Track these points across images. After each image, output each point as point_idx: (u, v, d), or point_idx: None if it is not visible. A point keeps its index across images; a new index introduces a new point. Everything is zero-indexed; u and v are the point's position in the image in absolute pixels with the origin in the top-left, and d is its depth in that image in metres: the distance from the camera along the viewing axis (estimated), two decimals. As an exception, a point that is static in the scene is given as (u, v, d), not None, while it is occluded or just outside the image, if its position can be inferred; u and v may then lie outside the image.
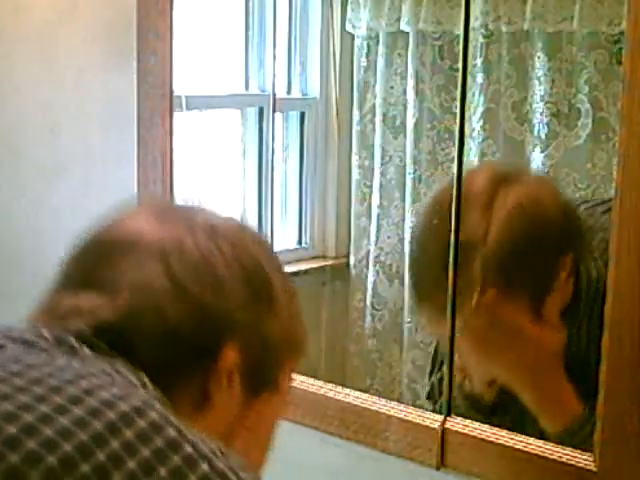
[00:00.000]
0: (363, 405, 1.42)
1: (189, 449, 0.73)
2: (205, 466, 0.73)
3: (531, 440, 1.27)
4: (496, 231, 1.23)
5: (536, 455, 1.23)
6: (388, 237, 2.26)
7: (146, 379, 0.84)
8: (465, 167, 1.38)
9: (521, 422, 1.33)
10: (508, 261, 1.24)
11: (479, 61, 1.96)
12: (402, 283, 2.23)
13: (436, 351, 1.47)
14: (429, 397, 1.45)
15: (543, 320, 1.24)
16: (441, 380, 1.41)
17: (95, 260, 0.91)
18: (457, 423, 1.32)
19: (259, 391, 0.95)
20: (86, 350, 0.83)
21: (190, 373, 0.88)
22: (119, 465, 0.69)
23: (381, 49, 2.20)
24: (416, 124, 2.15)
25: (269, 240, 1.72)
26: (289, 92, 2.26)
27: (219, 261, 0.90)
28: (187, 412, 0.86)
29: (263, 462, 1.02)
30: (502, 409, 1.34)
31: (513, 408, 1.33)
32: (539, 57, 1.88)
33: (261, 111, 2.17)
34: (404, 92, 2.17)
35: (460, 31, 1.37)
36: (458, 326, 1.30)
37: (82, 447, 0.69)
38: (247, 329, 0.91)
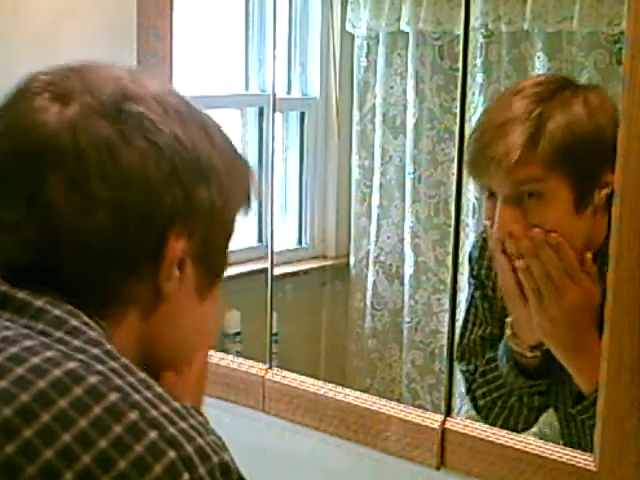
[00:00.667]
0: (363, 405, 1.42)
1: (113, 397, 0.68)
2: (134, 415, 0.68)
3: (531, 440, 1.27)
4: (558, 120, 1.22)
5: (536, 455, 1.23)
6: (388, 237, 2.26)
7: (76, 312, 0.75)
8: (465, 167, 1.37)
9: (560, 388, 1.34)
10: (566, 141, 1.21)
11: (479, 61, 1.96)
12: (402, 283, 2.23)
13: (471, 302, 1.44)
14: (462, 358, 1.44)
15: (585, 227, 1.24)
16: (475, 342, 1.42)
17: None
18: (457, 423, 1.32)
19: (213, 276, 0.87)
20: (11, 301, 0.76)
21: (133, 285, 0.79)
22: (30, 421, 0.66)
23: (381, 49, 2.20)
24: (416, 124, 2.15)
25: (269, 239, 1.71)
26: (289, 92, 2.26)
27: (124, 146, 0.77)
28: (135, 324, 0.80)
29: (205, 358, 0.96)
30: (544, 373, 1.34)
31: (553, 373, 1.33)
32: (539, 57, 1.89)
33: (261, 111, 2.18)
34: (404, 92, 2.17)
35: (460, 31, 1.37)
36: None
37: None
38: (182, 210, 0.79)
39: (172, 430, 0.69)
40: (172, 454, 0.68)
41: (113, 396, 0.69)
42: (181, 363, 0.90)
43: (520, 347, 1.32)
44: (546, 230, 1.23)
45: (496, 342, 1.41)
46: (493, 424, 1.38)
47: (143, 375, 0.73)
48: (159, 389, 0.73)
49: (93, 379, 0.69)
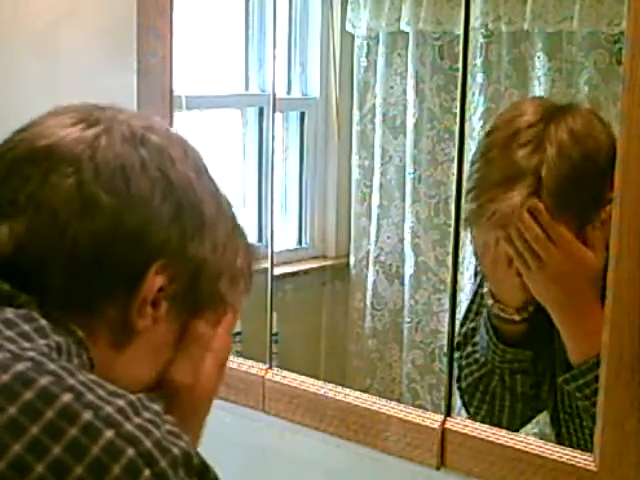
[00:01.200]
0: (363, 405, 1.42)
1: (66, 397, 0.65)
2: (88, 415, 0.65)
3: (531, 440, 1.27)
4: (552, 158, 1.23)
5: (536, 455, 1.23)
6: (388, 237, 2.26)
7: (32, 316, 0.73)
8: (465, 167, 1.37)
9: (546, 356, 1.34)
10: (565, 186, 1.23)
11: (479, 61, 1.96)
12: (402, 283, 2.23)
13: (475, 295, 1.45)
14: (458, 348, 1.44)
15: (588, 243, 1.25)
16: (474, 329, 1.42)
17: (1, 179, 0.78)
18: (457, 423, 1.32)
19: (196, 313, 0.85)
20: None
21: (106, 304, 0.77)
22: None
23: (381, 49, 2.20)
24: (416, 124, 2.15)
25: (269, 239, 1.71)
26: (289, 92, 2.26)
27: (140, 171, 0.78)
28: (106, 349, 0.79)
29: (216, 383, 0.94)
30: (527, 343, 1.34)
31: (539, 341, 1.33)
32: (539, 57, 1.89)
33: (261, 111, 2.17)
34: (404, 92, 2.17)
35: (460, 31, 1.37)
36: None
37: None
38: (172, 250, 0.79)
39: (128, 426, 0.66)
40: (130, 452, 0.65)
41: (66, 397, 0.66)
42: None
43: (507, 312, 1.32)
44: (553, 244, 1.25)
45: None
46: (475, 414, 1.40)
47: (95, 377, 0.70)
48: (111, 386, 0.70)
49: (44, 380, 0.66)
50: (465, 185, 1.34)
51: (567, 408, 1.34)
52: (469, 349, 1.42)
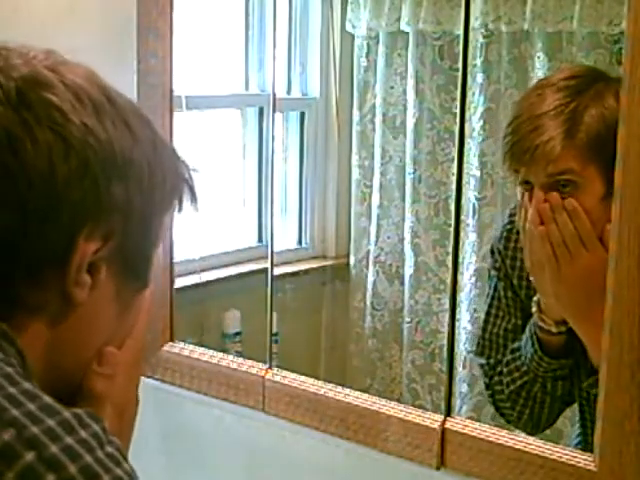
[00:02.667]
0: (363, 405, 1.42)
1: None
2: (8, 435, 0.60)
3: (531, 440, 1.27)
4: (597, 106, 1.26)
5: (536, 455, 1.23)
6: (388, 237, 2.26)
7: None
8: (465, 167, 1.38)
9: (582, 365, 1.36)
10: (601, 137, 1.24)
11: (479, 61, 1.96)
12: (402, 283, 2.23)
13: (493, 299, 1.48)
14: (482, 353, 1.47)
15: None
16: (498, 335, 1.45)
17: None
18: (457, 423, 1.32)
19: (137, 283, 0.79)
20: None
21: (33, 288, 0.71)
22: None
23: (381, 49, 2.20)
24: (416, 124, 2.15)
25: (269, 239, 1.71)
26: (289, 92, 2.26)
27: (29, 139, 0.68)
28: (43, 331, 0.73)
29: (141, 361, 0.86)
30: (568, 352, 1.36)
31: (577, 353, 1.35)
32: (539, 57, 1.89)
33: (261, 111, 2.17)
34: (404, 92, 2.17)
35: (460, 31, 1.37)
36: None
37: None
38: (95, 210, 0.71)
39: (53, 449, 0.60)
40: (51, 478, 0.59)
41: (7, 434, 0.59)
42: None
43: (546, 323, 1.35)
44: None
45: (520, 334, 1.43)
46: (518, 419, 1.42)
47: (28, 385, 0.64)
48: (47, 399, 0.63)
49: None
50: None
51: (592, 410, 1.34)
52: (507, 357, 1.44)
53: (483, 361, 1.48)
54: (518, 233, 1.42)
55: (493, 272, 1.48)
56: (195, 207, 0.81)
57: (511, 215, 1.46)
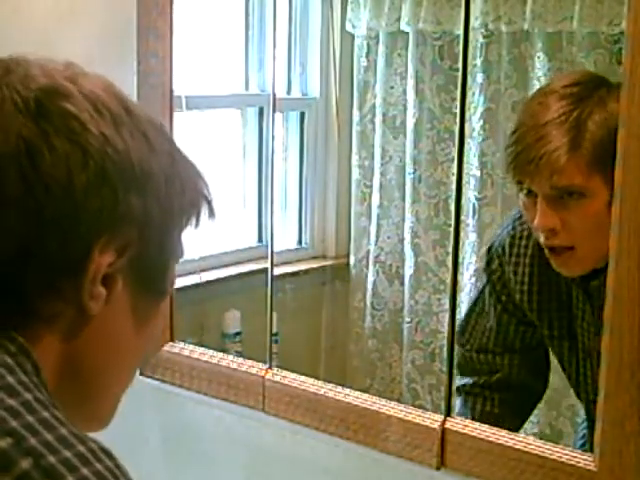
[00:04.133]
0: (363, 405, 1.42)
1: (4, 442, 0.60)
2: (26, 463, 0.60)
3: (531, 440, 1.27)
4: (600, 113, 1.25)
5: (536, 455, 1.23)
6: (388, 237, 2.26)
7: None
8: (465, 167, 1.38)
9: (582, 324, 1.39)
10: (605, 145, 1.21)
11: (479, 61, 1.96)
12: (402, 283, 2.23)
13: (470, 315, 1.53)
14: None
15: None
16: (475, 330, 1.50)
17: None
18: (457, 423, 1.32)
19: (153, 297, 0.79)
20: None
21: (49, 300, 0.70)
22: None
23: (381, 49, 2.20)
24: (416, 124, 2.15)
25: (269, 239, 1.71)
26: (289, 92, 2.26)
27: (47, 150, 0.68)
28: (58, 341, 0.72)
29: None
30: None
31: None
32: (539, 57, 1.88)
33: (261, 111, 2.17)
34: (404, 92, 2.17)
35: (460, 31, 1.37)
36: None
37: None
38: (111, 221, 0.71)
39: (70, 479, 0.60)
40: None
41: (4, 442, 0.59)
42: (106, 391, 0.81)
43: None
44: (585, 225, 1.29)
45: (494, 336, 1.49)
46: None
47: (46, 414, 0.64)
48: (64, 430, 0.63)
49: None
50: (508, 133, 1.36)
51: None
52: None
53: (463, 351, 1.53)
54: (522, 238, 1.42)
55: (484, 272, 1.49)
56: (213, 221, 0.81)
57: (515, 220, 1.45)
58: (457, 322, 1.50)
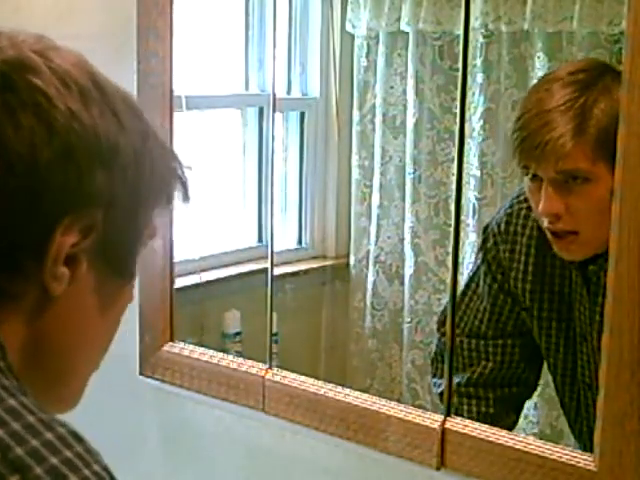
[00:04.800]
0: (363, 405, 1.42)
1: None
2: None
3: (531, 440, 1.27)
4: (602, 107, 1.26)
5: (536, 455, 1.23)
6: (388, 237, 2.26)
7: None
8: (465, 167, 1.38)
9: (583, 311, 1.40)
10: (610, 132, 1.21)
11: (479, 61, 1.96)
12: (402, 283, 2.23)
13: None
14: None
15: None
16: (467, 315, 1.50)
17: None
18: (457, 423, 1.32)
19: (120, 279, 0.77)
20: None
21: (16, 274, 0.69)
22: None
23: (381, 49, 2.20)
24: (416, 124, 2.15)
25: (269, 239, 1.71)
26: (289, 92, 2.26)
27: (11, 124, 0.67)
28: (22, 322, 0.70)
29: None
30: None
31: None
32: (539, 57, 1.88)
33: (261, 111, 2.17)
34: (404, 92, 2.17)
35: (460, 31, 1.37)
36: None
37: None
38: (75, 200, 0.69)
39: (38, 470, 0.58)
40: None
41: None
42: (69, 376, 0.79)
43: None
44: (589, 210, 1.30)
45: (487, 317, 1.49)
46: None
47: (12, 402, 0.63)
48: (31, 418, 0.62)
49: None
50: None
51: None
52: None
53: (442, 338, 1.52)
54: (519, 217, 1.43)
55: (480, 253, 1.49)
56: (187, 204, 0.79)
57: (513, 199, 1.46)
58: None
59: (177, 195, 0.79)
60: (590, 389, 1.39)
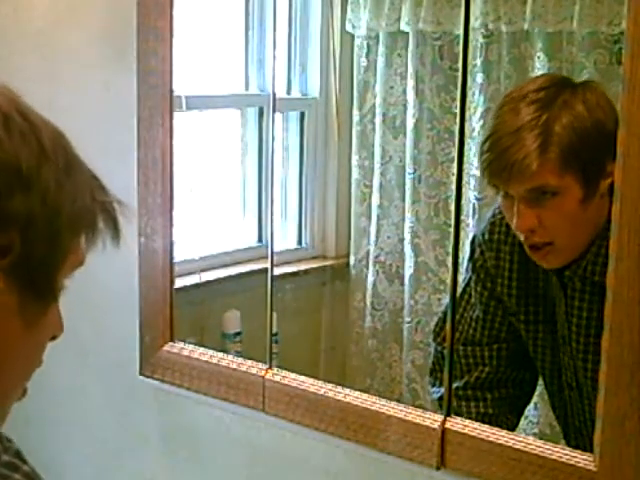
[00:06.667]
0: (363, 405, 1.42)
1: None
2: None
3: (531, 440, 1.27)
4: (565, 116, 1.31)
5: (536, 455, 1.23)
6: (388, 237, 2.26)
7: None
8: (465, 167, 1.39)
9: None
10: (575, 145, 1.31)
11: (479, 61, 1.96)
12: (402, 283, 2.23)
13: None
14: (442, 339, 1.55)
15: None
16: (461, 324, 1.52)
17: None
18: (457, 423, 1.32)
19: (41, 301, 0.78)
20: None
21: None
22: None
23: (381, 49, 2.20)
24: (416, 124, 2.14)
25: (269, 239, 1.71)
26: (289, 92, 2.26)
27: None
28: None
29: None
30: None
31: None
32: (539, 57, 1.88)
33: (261, 111, 2.17)
34: (404, 92, 2.17)
35: (460, 31, 1.37)
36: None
37: None
38: None
39: None
40: None
41: None
42: None
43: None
44: (561, 221, 1.36)
45: (480, 326, 1.52)
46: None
47: None
48: None
49: None
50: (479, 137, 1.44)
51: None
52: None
53: (439, 348, 1.56)
54: (501, 226, 1.47)
55: (470, 264, 1.53)
56: (117, 241, 0.80)
57: (495, 209, 1.50)
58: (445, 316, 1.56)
59: (106, 232, 0.79)
60: (572, 390, 1.42)
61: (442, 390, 1.44)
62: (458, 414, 1.42)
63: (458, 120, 1.37)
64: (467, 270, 1.54)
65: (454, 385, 1.49)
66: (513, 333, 1.52)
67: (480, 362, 1.53)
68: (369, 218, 2.28)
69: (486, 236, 1.50)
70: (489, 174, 1.39)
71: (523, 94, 1.37)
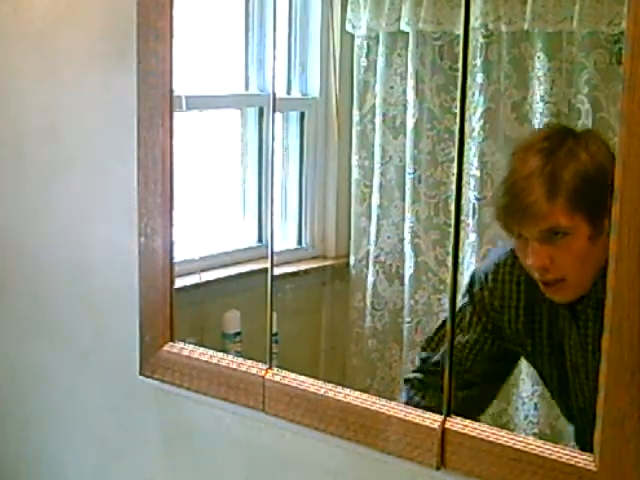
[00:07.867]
0: (363, 405, 1.42)
1: None
2: None
3: (531, 440, 1.27)
4: (569, 169, 1.43)
5: (536, 455, 1.23)
6: (388, 237, 2.26)
7: None
8: (465, 167, 1.41)
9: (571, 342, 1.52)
10: (581, 190, 1.42)
11: (479, 61, 1.96)
12: (402, 283, 2.23)
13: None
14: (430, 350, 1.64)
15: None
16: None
17: None
18: (457, 423, 1.32)
19: None
20: None
21: None
22: None
23: (381, 49, 2.20)
24: (416, 124, 2.14)
25: (269, 239, 1.71)
26: (289, 92, 2.26)
27: None
28: None
29: None
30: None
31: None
32: (539, 57, 1.88)
33: (261, 111, 2.17)
34: (404, 92, 2.17)
35: (460, 31, 1.37)
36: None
37: None
38: None
39: None
40: None
41: None
42: None
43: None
44: (572, 259, 1.46)
45: (472, 349, 1.61)
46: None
47: None
48: None
49: None
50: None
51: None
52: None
53: (423, 355, 1.66)
54: (506, 265, 1.57)
55: (467, 294, 1.62)
56: None
57: (506, 253, 1.58)
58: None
59: None
60: (585, 413, 1.46)
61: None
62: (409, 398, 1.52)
63: (458, 120, 1.37)
64: (463, 297, 1.62)
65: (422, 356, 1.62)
66: (498, 355, 1.62)
67: (461, 383, 1.57)
68: (369, 218, 2.28)
69: (490, 276, 1.59)
70: (504, 215, 1.51)
71: (531, 144, 1.53)
